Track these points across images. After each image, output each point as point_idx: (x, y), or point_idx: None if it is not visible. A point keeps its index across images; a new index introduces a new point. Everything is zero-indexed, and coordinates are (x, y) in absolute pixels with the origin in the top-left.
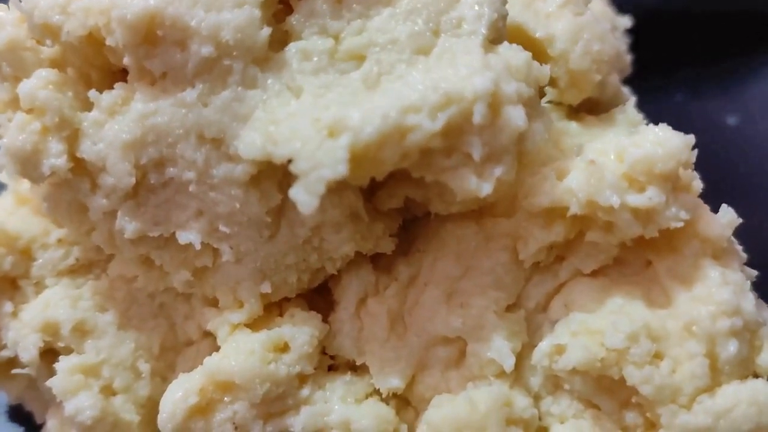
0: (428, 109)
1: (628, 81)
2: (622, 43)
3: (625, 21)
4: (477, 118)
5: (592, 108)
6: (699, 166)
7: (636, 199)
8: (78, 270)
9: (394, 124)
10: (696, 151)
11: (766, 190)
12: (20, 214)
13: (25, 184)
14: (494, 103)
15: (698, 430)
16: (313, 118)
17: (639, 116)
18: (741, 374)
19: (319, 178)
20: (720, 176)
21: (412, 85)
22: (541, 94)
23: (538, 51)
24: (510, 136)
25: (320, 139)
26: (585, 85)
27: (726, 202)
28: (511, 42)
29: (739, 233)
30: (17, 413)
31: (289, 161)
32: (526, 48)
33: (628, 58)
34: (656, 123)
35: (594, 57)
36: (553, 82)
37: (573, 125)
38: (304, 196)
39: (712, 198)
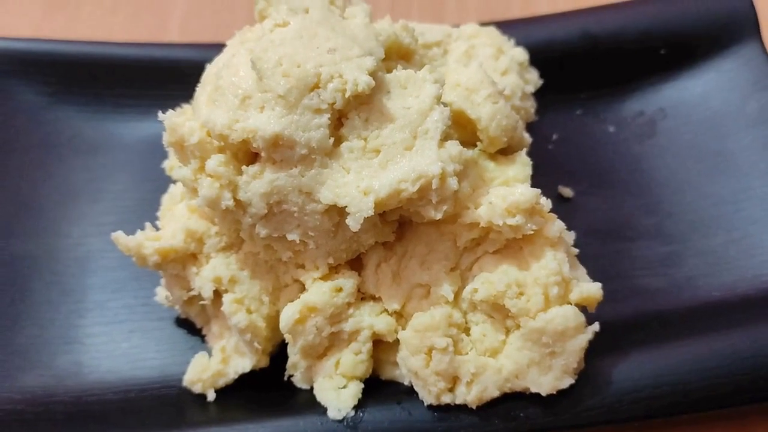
0: (410, 181)
1: (545, 99)
2: (529, 101)
3: (535, 80)
4: (434, 185)
5: (505, 149)
6: (588, 160)
7: (510, 221)
8: (226, 248)
9: (395, 189)
10: (544, 199)
11: (631, 179)
12: (193, 218)
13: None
14: (442, 178)
15: (538, 328)
16: (356, 186)
17: (527, 159)
18: (560, 303)
19: (360, 216)
20: (603, 168)
21: (403, 168)
22: (474, 145)
23: (472, 126)
24: (450, 191)
25: (360, 197)
26: (498, 144)
27: (604, 187)
28: (456, 120)
29: (609, 210)
30: (183, 321)
31: (345, 206)
32: (465, 125)
33: (533, 108)
34: (563, 129)
35: (503, 129)
36: (480, 141)
37: (491, 164)
38: (353, 223)
39: (597, 181)
